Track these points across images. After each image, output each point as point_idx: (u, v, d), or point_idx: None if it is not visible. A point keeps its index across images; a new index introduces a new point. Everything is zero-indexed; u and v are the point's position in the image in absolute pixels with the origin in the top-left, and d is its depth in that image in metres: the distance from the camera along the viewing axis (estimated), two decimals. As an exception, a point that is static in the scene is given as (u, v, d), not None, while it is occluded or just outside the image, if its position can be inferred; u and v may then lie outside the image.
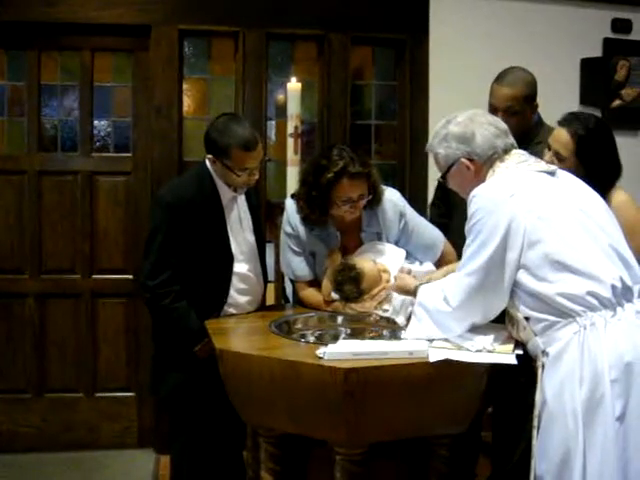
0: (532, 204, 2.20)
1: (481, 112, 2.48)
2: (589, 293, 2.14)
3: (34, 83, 4.23)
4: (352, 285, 2.81)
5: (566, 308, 2.14)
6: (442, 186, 3.36)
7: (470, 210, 2.27)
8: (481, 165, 2.37)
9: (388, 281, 2.81)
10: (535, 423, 2.21)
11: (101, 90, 4.31)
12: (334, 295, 2.92)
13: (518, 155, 2.37)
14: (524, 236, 2.18)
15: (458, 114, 2.44)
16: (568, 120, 2.84)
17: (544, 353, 2.20)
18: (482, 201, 2.24)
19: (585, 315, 2.13)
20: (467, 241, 2.28)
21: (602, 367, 2.08)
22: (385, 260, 2.91)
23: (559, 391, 2.13)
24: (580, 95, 4.57)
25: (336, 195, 2.91)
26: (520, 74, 3.30)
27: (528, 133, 3.19)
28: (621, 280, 2.16)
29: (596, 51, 4.57)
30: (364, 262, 2.86)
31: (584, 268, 2.15)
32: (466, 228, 2.29)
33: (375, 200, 3.01)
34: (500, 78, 3.30)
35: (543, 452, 2.17)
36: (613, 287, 2.14)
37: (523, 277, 2.20)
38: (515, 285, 2.22)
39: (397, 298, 2.68)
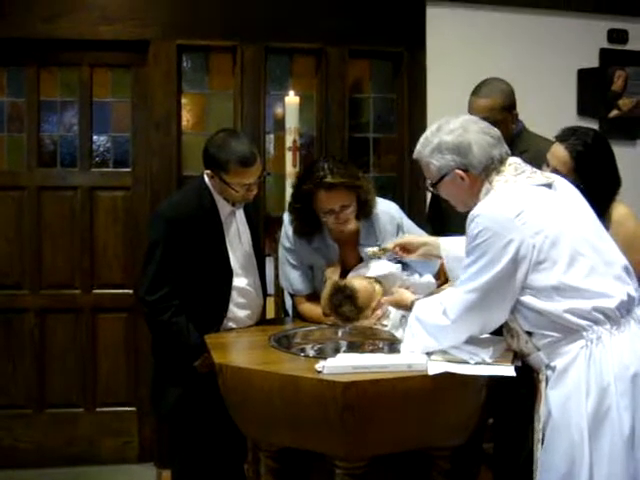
0: (539, 225, 2.16)
1: (472, 119, 2.42)
2: (595, 308, 2.13)
3: (33, 99, 4.25)
4: (349, 304, 2.78)
5: (573, 324, 2.13)
6: (435, 202, 3.36)
7: (472, 229, 2.21)
8: (476, 176, 2.30)
9: (382, 293, 2.79)
10: (539, 436, 2.20)
11: (100, 105, 4.32)
12: None
13: (514, 165, 2.32)
14: (531, 259, 2.14)
15: (449, 120, 2.35)
16: (566, 136, 2.80)
17: (548, 367, 2.20)
18: (487, 222, 2.18)
19: (591, 329, 2.13)
20: (468, 260, 2.23)
21: (608, 380, 2.08)
22: (374, 271, 2.90)
23: (564, 404, 2.12)
24: (577, 106, 4.59)
25: (317, 207, 2.97)
26: (496, 84, 3.30)
27: (511, 143, 3.18)
28: (627, 294, 2.17)
29: (593, 61, 4.59)
30: (353, 280, 2.86)
31: (591, 287, 2.13)
32: (467, 247, 2.25)
33: (365, 212, 3.03)
34: (476, 90, 3.30)
35: (547, 464, 2.16)
36: (619, 302, 2.14)
37: (528, 297, 2.17)
38: (518, 303, 2.20)
39: (396, 313, 2.68)
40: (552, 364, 2.18)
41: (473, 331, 2.29)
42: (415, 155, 2.42)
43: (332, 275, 3.06)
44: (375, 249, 2.88)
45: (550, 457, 2.15)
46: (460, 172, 2.31)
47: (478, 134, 2.31)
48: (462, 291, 2.24)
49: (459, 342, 2.31)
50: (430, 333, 2.32)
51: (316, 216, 3.01)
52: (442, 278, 3.00)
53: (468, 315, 2.23)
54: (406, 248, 2.76)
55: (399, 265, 2.99)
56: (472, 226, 2.21)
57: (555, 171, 2.72)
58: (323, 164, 2.97)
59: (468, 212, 2.37)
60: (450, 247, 2.65)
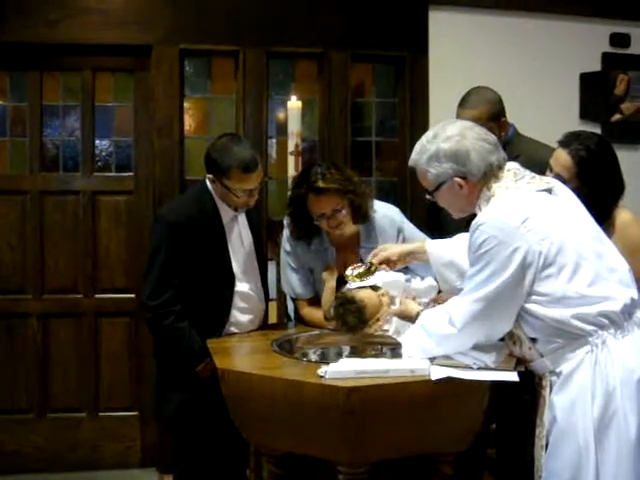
0: (544, 231, 2.14)
1: (469, 124, 2.38)
2: (600, 313, 2.12)
3: (36, 103, 4.26)
4: (355, 318, 2.70)
5: (578, 329, 2.12)
6: (432, 210, 3.34)
7: (476, 238, 2.18)
8: (475, 183, 2.28)
9: (388, 304, 2.76)
10: (542, 443, 2.20)
11: (102, 110, 4.33)
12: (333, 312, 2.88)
13: (513, 171, 2.30)
14: (538, 266, 2.13)
15: (445, 127, 2.33)
16: (569, 141, 2.76)
17: (553, 373, 2.19)
18: (491, 230, 2.16)
19: (596, 334, 2.12)
20: (473, 269, 2.21)
21: (614, 384, 2.08)
22: (379, 279, 2.88)
23: (570, 409, 2.12)
24: (580, 110, 4.59)
25: (310, 211, 3.00)
26: (481, 94, 3.29)
27: (503, 149, 3.16)
28: (630, 298, 2.16)
29: (595, 66, 4.59)
30: (362, 292, 2.75)
31: (596, 293, 2.13)
32: (470, 256, 2.23)
33: (360, 216, 3.04)
34: (462, 102, 3.28)
35: (553, 470, 2.16)
36: (623, 305, 2.13)
37: (533, 304, 2.16)
38: (523, 310, 2.18)
39: (397, 318, 2.66)
40: (557, 370, 2.17)
41: (478, 339, 2.27)
42: (411, 163, 2.39)
43: (329, 278, 3.06)
44: (358, 271, 2.79)
45: (555, 463, 2.14)
46: (458, 180, 2.29)
47: (475, 141, 2.29)
48: (468, 300, 2.22)
49: (463, 349, 2.30)
50: (435, 341, 2.31)
51: (311, 220, 3.03)
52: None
53: (474, 324, 2.22)
54: (390, 261, 2.74)
55: (401, 273, 2.97)
56: (476, 234, 2.19)
57: (558, 176, 2.69)
58: (317, 169, 3.01)
59: (467, 220, 2.37)
60: (436, 251, 2.64)
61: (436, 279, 2.93)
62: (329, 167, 3.02)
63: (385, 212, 3.15)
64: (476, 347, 2.30)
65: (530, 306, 2.17)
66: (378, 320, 2.70)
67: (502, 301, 2.17)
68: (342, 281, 2.93)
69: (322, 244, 3.12)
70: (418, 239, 3.03)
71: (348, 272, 2.82)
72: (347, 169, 3.15)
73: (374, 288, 2.76)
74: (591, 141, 2.76)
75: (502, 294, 2.15)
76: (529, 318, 2.19)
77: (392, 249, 2.79)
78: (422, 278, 2.96)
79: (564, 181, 2.61)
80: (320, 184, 2.96)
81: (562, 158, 2.75)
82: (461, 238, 2.53)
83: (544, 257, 2.13)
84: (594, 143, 2.76)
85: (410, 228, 3.15)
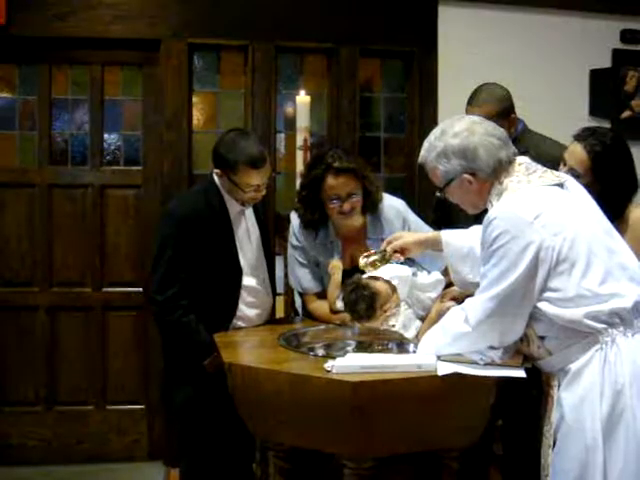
0: (557, 226, 2.13)
1: (477, 119, 2.37)
2: (612, 311, 2.11)
3: (45, 97, 4.27)
4: (366, 304, 2.68)
5: (590, 328, 2.11)
6: (440, 205, 3.34)
7: (490, 233, 2.17)
8: (485, 179, 2.27)
9: (397, 300, 2.75)
10: (550, 442, 2.19)
11: (111, 104, 4.34)
12: (339, 305, 2.88)
13: (525, 165, 2.29)
14: (551, 261, 2.11)
15: (453, 123, 2.31)
16: (584, 135, 2.75)
17: (561, 370, 2.18)
18: (504, 224, 2.14)
19: (607, 332, 2.11)
20: (487, 265, 2.19)
21: (623, 382, 2.07)
22: (390, 274, 2.87)
23: (578, 407, 2.11)
24: (590, 106, 4.57)
25: (324, 194, 3.01)
26: (490, 91, 3.27)
27: (512, 144, 3.15)
28: None
29: (605, 62, 4.58)
30: (375, 281, 2.73)
31: (607, 291, 2.11)
32: (484, 252, 2.21)
33: (370, 204, 3.07)
34: (470, 100, 3.27)
35: (560, 467, 2.15)
36: (634, 303, 2.12)
37: (544, 303, 2.14)
38: (535, 308, 2.17)
39: (404, 313, 2.66)
40: (566, 368, 2.16)
41: (492, 340, 2.24)
42: (420, 160, 2.38)
43: (335, 272, 3.05)
44: (373, 258, 2.76)
45: (562, 460, 2.14)
46: (467, 176, 2.28)
47: (484, 136, 2.27)
48: (483, 298, 2.20)
49: (477, 349, 2.28)
50: (449, 339, 2.29)
51: (322, 207, 3.04)
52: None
53: (488, 322, 2.19)
54: (404, 249, 2.73)
55: (407, 267, 2.96)
56: (489, 229, 2.17)
57: (572, 170, 2.68)
58: (333, 151, 3.06)
59: (475, 216, 2.35)
60: (453, 241, 2.62)
61: (443, 273, 2.93)
62: (344, 152, 3.08)
63: (391, 203, 3.17)
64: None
65: (542, 305, 2.15)
66: (386, 312, 2.70)
67: (515, 298, 2.15)
68: (348, 275, 2.93)
69: (328, 237, 3.13)
70: (424, 230, 3.03)
71: (362, 260, 2.77)
72: (359, 157, 3.23)
73: (389, 284, 2.76)
74: (607, 137, 2.75)
75: (516, 290, 2.14)
76: (540, 317, 2.17)
77: (407, 238, 2.74)
78: (428, 272, 2.95)
79: (577, 176, 2.60)
80: (339, 164, 2.99)
81: (577, 152, 2.74)
82: (477, 229, 2.50)
83: (557, 253, 2.11)
84: (609, 138, 2.75)
85: (415, 219, 3.17)
